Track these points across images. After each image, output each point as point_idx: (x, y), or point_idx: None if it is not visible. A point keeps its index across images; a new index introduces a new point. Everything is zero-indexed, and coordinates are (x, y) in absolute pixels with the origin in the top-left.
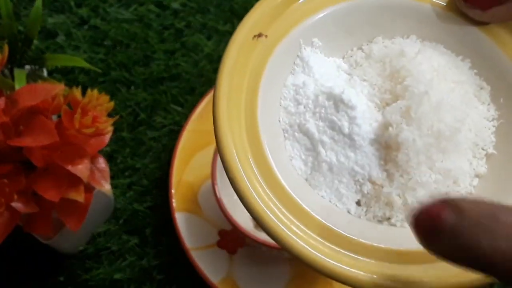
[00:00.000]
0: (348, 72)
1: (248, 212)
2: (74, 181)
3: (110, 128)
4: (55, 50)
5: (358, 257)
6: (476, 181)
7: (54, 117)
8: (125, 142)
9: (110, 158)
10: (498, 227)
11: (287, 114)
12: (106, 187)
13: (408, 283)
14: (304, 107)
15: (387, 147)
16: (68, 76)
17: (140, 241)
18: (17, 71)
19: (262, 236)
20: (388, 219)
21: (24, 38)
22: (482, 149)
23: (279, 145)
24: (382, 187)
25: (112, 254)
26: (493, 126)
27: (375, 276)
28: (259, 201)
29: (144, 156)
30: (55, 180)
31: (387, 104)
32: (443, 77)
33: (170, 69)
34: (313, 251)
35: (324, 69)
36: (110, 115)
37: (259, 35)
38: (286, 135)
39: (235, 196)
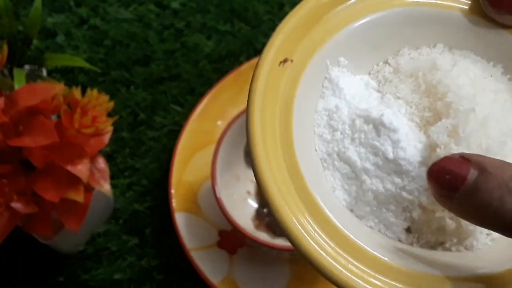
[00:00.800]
0: (378, 89)
1: (300, 252)
2: (74, 181)
3: (109, 128)
4: (55, 50)
5: None
6: None
7: (54, 117)
8: (125, 142)
9: (110, 158)
10: None
11: (323, 142)
12: (105, 187)
13: None
14: (341, 133)
15: None
16: (67, 76)
17: (140, 241)
18: (16, 71)
19: (262, 236)
20: (442, 243)
21: (24, 38)
22: None
23: (319, 176)
24: (434, 212)
25: (112, 254)
26: None
27: None
28: (311, 242)
29: (144, 156)
30: (54, 180)
31: (428, 123)
32: (482, 88)
33: (170, 69)
34: None
35: (354, 90)
36: (109, 115)
37: (285, 61)
38: (325, 164)
39: (235, 196)
